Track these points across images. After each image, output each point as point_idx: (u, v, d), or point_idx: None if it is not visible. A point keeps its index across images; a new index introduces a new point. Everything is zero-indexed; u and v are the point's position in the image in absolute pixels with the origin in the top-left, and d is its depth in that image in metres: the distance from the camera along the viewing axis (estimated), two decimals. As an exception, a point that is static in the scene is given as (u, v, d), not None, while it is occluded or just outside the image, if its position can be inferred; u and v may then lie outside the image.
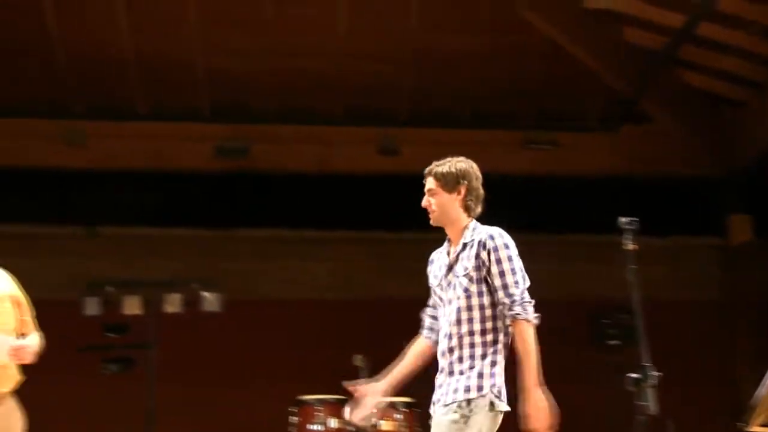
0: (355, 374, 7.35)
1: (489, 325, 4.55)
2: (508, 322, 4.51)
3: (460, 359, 4.54)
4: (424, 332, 4.81)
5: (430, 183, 4.70)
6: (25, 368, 5.04)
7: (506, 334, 4.58)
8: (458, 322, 4.56)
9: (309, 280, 10.28)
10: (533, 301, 4.53)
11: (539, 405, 4.38)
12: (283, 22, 9.46)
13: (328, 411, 7.75)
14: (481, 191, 4.72)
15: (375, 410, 4.82)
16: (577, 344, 10.02)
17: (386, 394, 4.76)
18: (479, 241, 4.57)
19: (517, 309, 4.49)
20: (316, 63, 9.77)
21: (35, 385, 5.17)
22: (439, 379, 4.62)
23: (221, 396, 9.80)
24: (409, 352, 4.77)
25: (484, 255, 4.55)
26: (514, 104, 10.26)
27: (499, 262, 4.54)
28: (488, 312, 4.55)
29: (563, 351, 8.27)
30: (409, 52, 9.69)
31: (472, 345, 4.53)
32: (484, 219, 4.62)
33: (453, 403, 4.48)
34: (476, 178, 4.71)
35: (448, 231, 4.72)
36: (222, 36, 9.53)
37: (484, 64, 9.79)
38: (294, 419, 7.83)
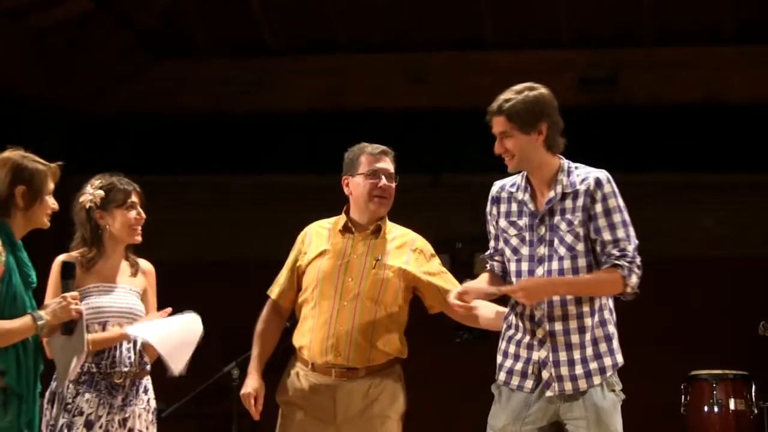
0: (760, 344, 7.38)
1: None
2: (605, 267, 4.44)
3: (566, 332, 4.50)
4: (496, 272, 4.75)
5: (500, 124, 4.59)
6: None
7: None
8: None
9: (697, 235, 10.31)
10: (641, 272, 4.45)
11: (538, 292, 4.40)
12: None
13: (727, 390, 7.83)
14: (561, 122, 4.60)
15: None
16: None
17: None
18: (586, 190, 4.48)
19: (624, 264, 4.41)
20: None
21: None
22: (532, 352, 4.54)
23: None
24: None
25: (590, 205, 4.48)
26: None
27: (608, 213, 4.47)
28: None
29: None
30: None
31: (580, 315, 4.49)
32: None
33: (593, 386, 4.49)
34: (555, 109, 4.60)
35: (531, 176, 4.63)
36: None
37: None
38: (685, 398, 7.94)
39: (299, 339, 5.20)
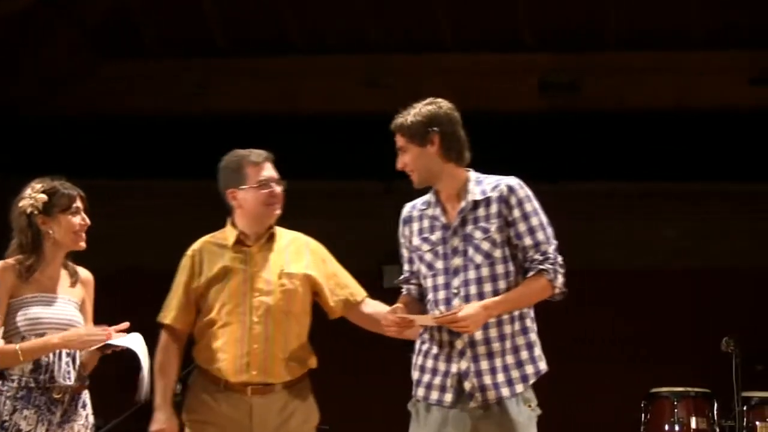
0: (723, 361, 7.30)
1: None
2: (530, 274, 4.60)
3: (487, 340, 4.60)
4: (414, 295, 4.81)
5: (398, 140, 4.78)
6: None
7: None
8: (480, 295, 4.60)
9: (659, 246, 10.27)
10: (564, 269, 4.62)
11: (477, 320, 4.47)
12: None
13: (688, 408, 7.79)
14: (462, 133, 4.76)
15: None
16: None
17: None
18: (499, 197, 4.66)
19: (548, 267, 4.58)
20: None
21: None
22: (451, 365, 4.61)
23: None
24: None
25: (506, 212, 4.65)
26: None
27: (526, 217, 4.64)
28: (512, 279, 4.64)
29: None
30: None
31: (500, 323, 4.60)
32: None
33: (515, 395, 4.58)
34: (450, 121, 4.74)
35: (439, 190, 4.78)
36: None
37: None
38: (644, 416, 7.89)
39: (207, 360, 5.15)
